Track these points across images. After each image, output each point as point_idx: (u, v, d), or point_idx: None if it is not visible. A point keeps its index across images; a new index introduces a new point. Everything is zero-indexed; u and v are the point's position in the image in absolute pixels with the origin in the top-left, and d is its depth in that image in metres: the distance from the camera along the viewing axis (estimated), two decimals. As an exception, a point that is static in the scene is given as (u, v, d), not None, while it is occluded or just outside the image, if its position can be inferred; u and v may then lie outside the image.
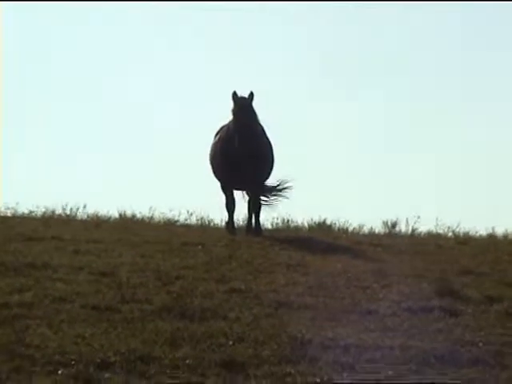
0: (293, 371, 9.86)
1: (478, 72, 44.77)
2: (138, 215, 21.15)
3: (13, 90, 43.86)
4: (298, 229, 20.15)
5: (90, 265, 14.38)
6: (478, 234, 20.56)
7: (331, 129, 42.25)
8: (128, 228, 18.97)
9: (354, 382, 9.68)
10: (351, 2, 43.30)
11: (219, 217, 20.14)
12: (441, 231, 20.66)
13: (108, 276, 13.71)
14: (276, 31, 47.25)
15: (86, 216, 20.93)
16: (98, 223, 19.87)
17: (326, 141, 40.11)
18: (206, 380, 9.57)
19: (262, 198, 19.11)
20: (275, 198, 19.19)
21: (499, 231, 20.88)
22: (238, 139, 18.06)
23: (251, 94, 18.63)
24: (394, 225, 20.34)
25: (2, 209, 21.16)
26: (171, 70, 45.59)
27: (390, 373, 10.05)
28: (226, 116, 19.03)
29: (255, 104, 18.82)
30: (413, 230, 20.47)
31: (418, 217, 20.68)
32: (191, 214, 20.94)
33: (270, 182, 19.40)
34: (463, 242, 19.37)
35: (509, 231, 20.71)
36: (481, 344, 11.23)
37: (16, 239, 16.45)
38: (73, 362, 9.71)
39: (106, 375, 9.54)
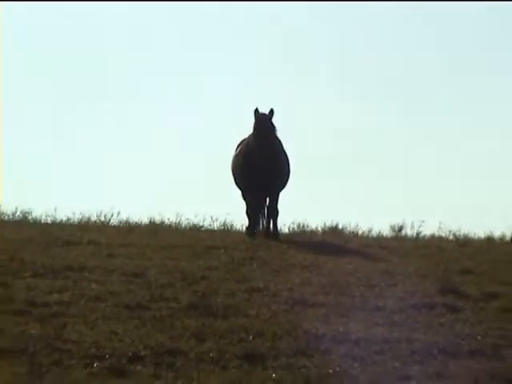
0: (308, 363, 9.92)
1: (482, 73, 42.94)
2: (166, 221, 21.12)
3: (40, 96, 42.75)
4: (312, 233, 20.10)
5: (122, 267, 14.39)
6: (476, 237, 20.56)
7: (341, 135, 41.20)
8: (157, 233, 19.03)
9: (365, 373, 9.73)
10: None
11: (240, 222, 20.11)
12: (443, 234, 20.66)
13: (139, 277, 13.72)
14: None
15: (118, 222, 20.98)
16: (129, 229, 19.86)
17: (336, 148, 39.14)
18: (228, 372, 9.61)
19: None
20: None
21: (496, 234, 20.87)
22: (258, 152, 18.04)
23: (271, 111, 18.57)
24: (400, 229, 20.37)
25: (43, 216, 21.09)
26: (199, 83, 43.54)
27: (397, 364, 9.99)
28: (247, 128, 18.98)
29: (274, 119, 18.72)
30: (417, 234, 20.44)
31: (423, 221, 20.70)
32: (215, 220, 20.92)
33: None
34: (463, 245, 19.39)
35: (505, 234, 20.76)
36: (479, 337, 11.23)
37: (55, 244, 16.45)
38: (107, 356, 9.79)
39: (137, 368, 9.61)
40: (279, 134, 18.90)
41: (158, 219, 21.11)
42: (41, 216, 21.02)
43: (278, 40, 45.71)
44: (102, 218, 20.80)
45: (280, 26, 45.56)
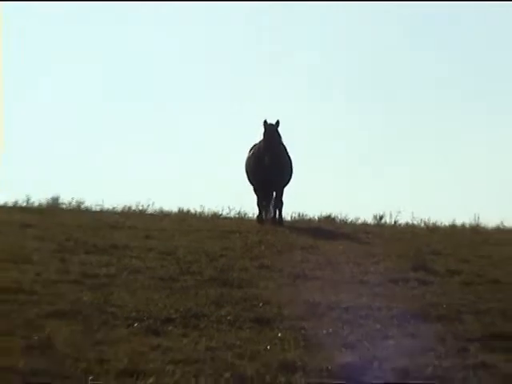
0: (306, 325, 10.02)
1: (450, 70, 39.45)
2: (192, 210, 21.14)
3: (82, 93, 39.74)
4: (310, 221, 20.14)
5: (156, 246, 14.51)
6: (443, 225, 20.49)
7: (331, 135, 39.31)
8: (185, 220, 19.15)
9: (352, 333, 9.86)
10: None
11: (252, 211, 20.08)
12: (415, 222, 20.52)
13: (170, 255, 13.83)
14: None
15: (154, 211, 21.06)
16: (162, 216, 19.95)
17: (327, 147, 37.56)
18: (242, 331, 9.70)
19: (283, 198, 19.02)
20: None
21: (459, 222, 20.83)
22: (266, 156, 18.10)
23: (277, 122, 18.62)
24: (381, 218, 20.24)
25: (93, 205, 21.23)
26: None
27: (378, 326, 10.09)
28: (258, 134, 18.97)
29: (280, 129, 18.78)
30: (395, 222, 20.36)
31: (399, 212, 20.57)
32: (231, 210, 20.94)
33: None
34: (432, 231, 19.44)
35: (466, 222, 20.70)
36: (444, 305, 11.26)
37: (103, 227, 16.60)
38: (145, 318, 9.93)
39: (169, 328, 9.74)
40: (284, 140, 18.88)
41: (185, 209, 21.19)
42: (91, 205, 21.23)
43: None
44: (140, 207, 20.94)
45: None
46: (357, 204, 28.51)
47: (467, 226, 20.54)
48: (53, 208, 20.75)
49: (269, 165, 18.20)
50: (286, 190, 19.25)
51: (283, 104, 37.61)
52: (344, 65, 42.80)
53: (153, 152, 38.77)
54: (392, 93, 41.70)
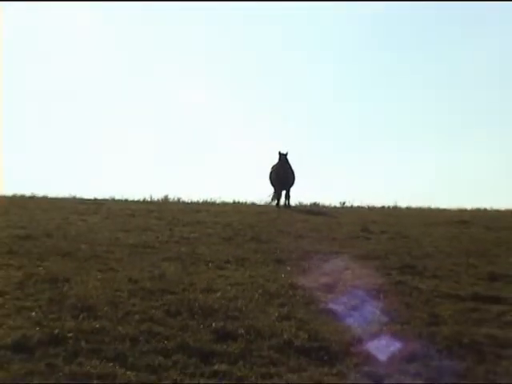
0: (303, 263, 9.84)
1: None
2: (237, 200, 19.92)
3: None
4: (305, 206, 19.53)
5: (221, 221, 14.17)
6: (380, 206, 19.55)
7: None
8: (237, 207, 18.39)
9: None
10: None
11: (273, 201, 19.27)
12: (364, 205, 19.71)
13: (229, 225, 13.65)
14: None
15: (220, 202, 19.57)
16: (224, 205, 18.85)
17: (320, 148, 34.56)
18: (268, 267, 9.51)
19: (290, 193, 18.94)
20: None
21: (403, 204, 19.68)
22: (281, 172, 18.37)
23: (287, 152, 18.49)
24: (343, 203, 19.67)
25: (186, 199, 19.58)
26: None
27: (342, 263, 9.80)
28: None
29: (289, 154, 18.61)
30: (351, 205, 19.59)
31: (353, 199, 20.05)
32: (260, 200, 19.91)
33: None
34: (371, 209, 18.74)
35: (409, 205, 19.62)
36: (378, 251, 10.92)
37: (191, 211, 15.98)
38: (214, 260, 9.78)
39: (228, 265, 9.55)
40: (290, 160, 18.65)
41: (237, 200, 19.92)
42: (185, 199, 19.49)
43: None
44: (212, 200, 19.53)
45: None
46: (330, 194, 28.45)
47: (390, 206, 19.50)
48: (165, 201, 19.28)
49: (282, 177, 18.46)
50: (292, 189, 19.02)
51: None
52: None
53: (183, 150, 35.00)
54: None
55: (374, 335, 6.38)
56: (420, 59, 35.12)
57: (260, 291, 8.00)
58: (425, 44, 35.80)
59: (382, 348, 6.02)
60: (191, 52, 36.22)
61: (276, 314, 7.06)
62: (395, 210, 18.42)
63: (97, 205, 16.94)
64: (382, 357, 5.82)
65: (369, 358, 5.83)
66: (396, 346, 6.08)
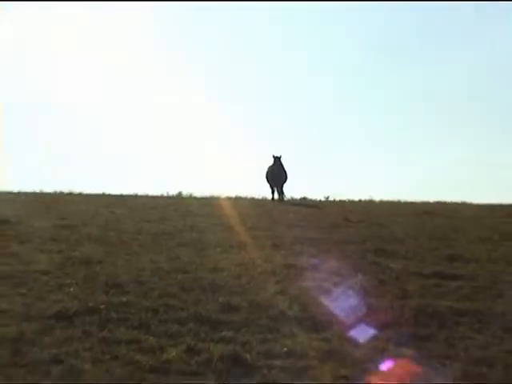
0: (299, 246, 9.70)
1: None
2: (248, 196, 19.20)
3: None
4: (295, 200, 18.88)
5: (229, 212, 13.87)
6: (358, 199, 18.74)
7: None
8: (239, 200, 17.99)
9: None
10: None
11: (269, 196, 18.85)
12: (345, 199, 18.87)
13: (237, 213, 13.43)
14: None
15: (233, 195, 18.82)
16: (238, 198, 18.21)
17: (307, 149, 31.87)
18: (265, 251, 9.26)
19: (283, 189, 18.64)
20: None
21: (376, 198, 18.77)
22: (275, 171, 18.14)
23: (280, 156, 18.26)
24: (327, 197, 19.05)
25: (193, 194, 18.83)
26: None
27: (325, 247, 9.52)
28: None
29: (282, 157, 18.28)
30: (334, 199, 18.83)
31: (335, 193, 19.25)
32: (259, 195, 19.47)
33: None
34: (352, 202, 18.11)
35: (382, 198, 18.78)
36: (357, 237, 10.61)
37: (210, 204, 15.80)
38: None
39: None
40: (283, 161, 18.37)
41: (238, 195, 18.98)
42: (186, 194, 18.77)
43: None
44: (215, 195, 18.58)
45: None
46: (316, 189, 27.97)
47: (366, 200, 18.72)
48: (180, 196, 18.63)
49: (276, 175, 18.25)
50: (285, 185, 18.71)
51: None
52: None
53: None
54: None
55: (354, 307, 6.39)
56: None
57: (259, 270, 7.96)
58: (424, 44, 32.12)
59: (360, 318, 6.05)
60: (193, 52, 32.68)
61: (273, 290, 7.07)
62: (370, 203, 18.14)
63: (123, 199, 16.85)
64: (360, 325, 5.85)
65: (349, 326, 5.82)
66: (371, 316, 6.10)
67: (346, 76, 33.77)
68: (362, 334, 5.61)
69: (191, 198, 18.66)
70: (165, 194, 19.06)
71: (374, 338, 5.57)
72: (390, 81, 32.23)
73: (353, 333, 5.62)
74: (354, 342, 5.45)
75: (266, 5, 29.01)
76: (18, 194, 16.89)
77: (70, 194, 18.12)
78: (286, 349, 5.19)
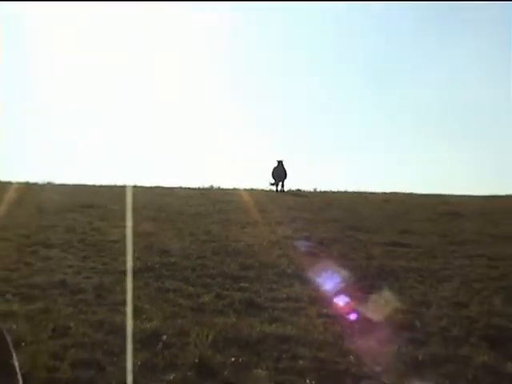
0: (294, 224, 9.42)
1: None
2: (255, 187, 17.88)
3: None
4: (292, 190, 17.90)
5: (237, 199, 13.07)
6: (342, 190, 17.37)
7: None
8: (253, 191, 16.87)
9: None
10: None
11: (272, 188, 17.83)
12: (328, 190, 17.69)
13: (245, 201, 12.45)
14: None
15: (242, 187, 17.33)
16: (250, 191, 17.02)
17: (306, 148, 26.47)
18: (270, 227, 8.83)
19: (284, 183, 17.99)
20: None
21: (350, 189, 17.29)
22: (278, 171, 17.64)
23: (282, 159, 17.66)
24: (315, 189, 17.89)
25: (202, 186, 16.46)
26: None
27: (322, 232, 8.43)
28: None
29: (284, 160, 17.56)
30: (329, 191, 17.39)
31: (331, 185, 18.62)
32: (267, 187, 18.10)
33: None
34: (334, 192, 16.99)
35: (355, 190, 17.31)
36: (355, 226, 9.28)
37: (226, 195, 14.26)
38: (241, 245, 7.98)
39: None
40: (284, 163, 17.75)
41: (250, 187, 17.86)
42: (216, 186, 17.44)
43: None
44: (236, 187, 17.18)
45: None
46: (307, 182, 24.58)
47: (343, 190, 17.54)
48: (211, 188, 17.16)
49: (279, 174, 17.72)
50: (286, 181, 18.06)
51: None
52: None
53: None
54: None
55: (334, 267, 6.33)
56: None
57: (266, 240, 7.83)
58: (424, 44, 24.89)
59: (338, 274, 6.03)
60: (197, 51, 25.35)
61: (276, 254, 7.00)
62: (346, 193, 17.27)
63: (171, 190, 16.05)
64: (338, 279, 5.85)
65: (330, 280, 5.81)
66: (347, 272, 6.10)
67: (346, 76, 28.04)
68: (340, 285, 5.62)
69: (219, 189, 17.90)
70: (200, 187, 18.31)
71: (349, 287, 5.56)
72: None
73: (332, 284, 5.61)
74: (333, 291, 5.42)
75: (265, 5, 23.08)
76: (100, 186, 15.97)
77: (135, 187, 17.25)
78: (285, 295, 5.21)
